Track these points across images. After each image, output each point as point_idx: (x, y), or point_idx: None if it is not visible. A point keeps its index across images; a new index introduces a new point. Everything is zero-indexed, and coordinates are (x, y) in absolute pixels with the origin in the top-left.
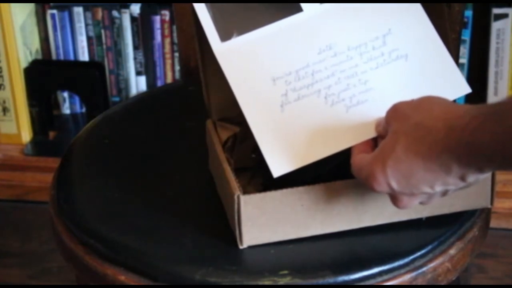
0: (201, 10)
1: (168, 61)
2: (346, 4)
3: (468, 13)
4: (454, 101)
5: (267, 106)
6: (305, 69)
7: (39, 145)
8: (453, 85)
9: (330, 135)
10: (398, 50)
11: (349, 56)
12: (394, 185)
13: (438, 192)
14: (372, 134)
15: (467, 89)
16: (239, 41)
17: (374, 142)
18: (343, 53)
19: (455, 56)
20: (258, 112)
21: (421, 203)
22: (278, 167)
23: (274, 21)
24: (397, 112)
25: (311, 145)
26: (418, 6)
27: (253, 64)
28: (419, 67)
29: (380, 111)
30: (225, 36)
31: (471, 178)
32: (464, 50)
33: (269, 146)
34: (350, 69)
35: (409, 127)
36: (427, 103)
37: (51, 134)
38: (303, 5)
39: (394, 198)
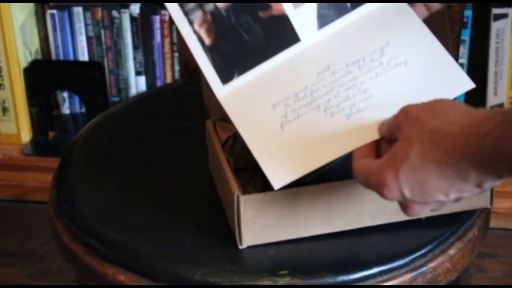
0: (200, 56)
1: (168, 61)
2: (343, 26)
3: (468, 13)
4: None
5: (267, 129)
6: (304, 91)
7: (39, 145)
8: (456, 82)
9: (330, 142)
10: (396, 58)
11: (348, 71)
12: (407, 193)
13: (452, 200)
14: (374, 136)
15: (471, 84)
16: (240, 81)
17: (376, 146)
18: (341, 69)
19: (455, 56)
20: (258, 135)
21: (431, 210)
22: (278, 179)
23: (273, 55)
24: (409, 116)
25: (311, 152)
26: (407, 9)
27: (256, 100)
28: (419, 70)
29: (382, 115)
30: (226, 78)
31: (488, 184)
32: (463, 50)
33: (267, 158)
34: (349, 82)
35: (424, 133)
36: (441, 106)
37: (51, 134)
38: (300, 34)
39: (405, 206)
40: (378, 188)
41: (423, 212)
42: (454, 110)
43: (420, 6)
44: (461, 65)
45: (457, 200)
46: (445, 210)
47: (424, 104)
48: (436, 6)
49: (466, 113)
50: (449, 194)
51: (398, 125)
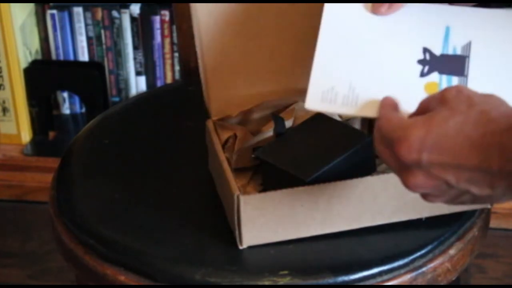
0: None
1: (168, 61)
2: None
3: None
4: None
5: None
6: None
7: (39, 145)
8: None
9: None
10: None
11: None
12: (425, 157)
13: (459, 188)
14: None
15: None
16: None
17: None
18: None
19: None
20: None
21: (425, 197)
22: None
23: None
24: (461, 93)
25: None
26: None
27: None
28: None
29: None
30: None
31: (499, 189)
32: None
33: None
34: None
35: (472, 111)
36: (497, 99)
37: (51, 134)
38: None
39: (408, 172)
40: (399, 142)
41: (421, 184)
42: (507, 105)
43: None
44: None
45: (459, 199)
46: (445, 210)
47: (478, 92)
48: None
49: None
50: (460, 177)
51: (446, 97)
